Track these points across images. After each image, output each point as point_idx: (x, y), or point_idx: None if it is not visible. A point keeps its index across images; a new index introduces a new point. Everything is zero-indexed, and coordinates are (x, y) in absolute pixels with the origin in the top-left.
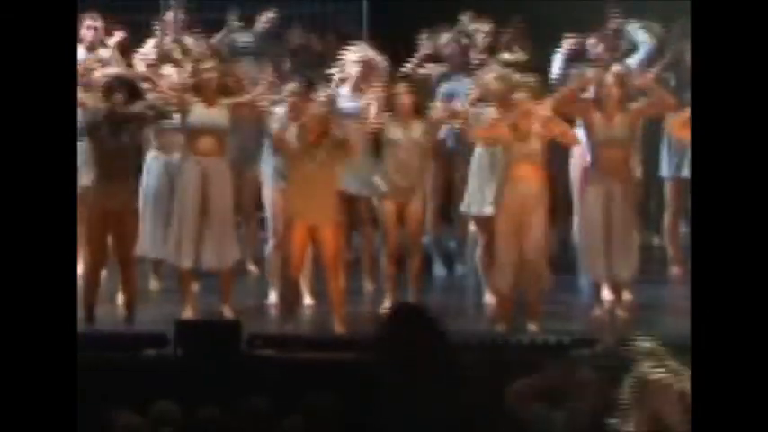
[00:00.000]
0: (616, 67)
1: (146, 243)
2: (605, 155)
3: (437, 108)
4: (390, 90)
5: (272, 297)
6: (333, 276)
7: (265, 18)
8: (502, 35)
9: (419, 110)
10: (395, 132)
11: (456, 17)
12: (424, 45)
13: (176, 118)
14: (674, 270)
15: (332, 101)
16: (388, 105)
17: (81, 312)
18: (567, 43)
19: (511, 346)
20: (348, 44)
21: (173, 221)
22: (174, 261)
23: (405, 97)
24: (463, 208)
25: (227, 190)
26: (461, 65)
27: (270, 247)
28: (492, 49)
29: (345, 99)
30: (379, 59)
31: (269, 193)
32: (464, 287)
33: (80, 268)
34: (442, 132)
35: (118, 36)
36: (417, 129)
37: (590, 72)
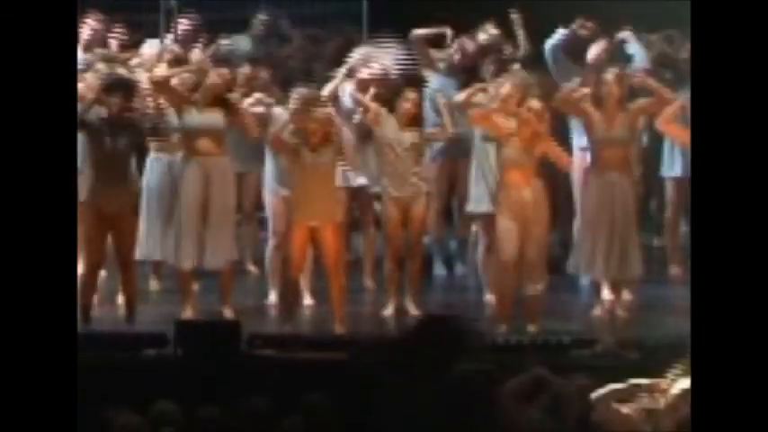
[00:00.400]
0: (614, 68)
1: (145, 245)
2: (606, 154)
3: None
4: (396, 93)
5: (272, 297)
6: (334, 277)
7: (259, 21)
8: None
9: (418, 119)
10: (392, 134)
11: (456, 17)
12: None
13: (174, 119)
14: (674, 270)
15: (334, 100)
16: (392, 108)
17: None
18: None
19: (511, 346)
20: (351, 44)
21: (173, 222)
22: (173, 262)
23: (408, 104)
24: (469, 208)
25: (229, 189)
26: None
27: (270, 247)
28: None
29: (349, 97)
30: (386, 63)
31: (269, 194)
32: (464, 287)
33: (79, 269)
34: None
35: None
36: (413, 135)
37: (590, 74)
